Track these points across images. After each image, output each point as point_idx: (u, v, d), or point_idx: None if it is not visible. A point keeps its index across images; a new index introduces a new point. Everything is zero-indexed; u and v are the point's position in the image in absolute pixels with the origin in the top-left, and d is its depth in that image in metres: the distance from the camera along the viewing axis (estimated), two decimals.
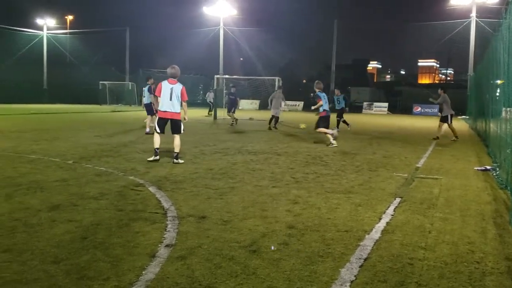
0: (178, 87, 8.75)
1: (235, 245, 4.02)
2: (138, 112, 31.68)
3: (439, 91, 15.52)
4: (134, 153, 9.91)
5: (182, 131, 8.88)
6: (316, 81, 13.35)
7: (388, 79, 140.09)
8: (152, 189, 6.30)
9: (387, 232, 4.57)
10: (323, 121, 12.75)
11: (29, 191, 5.92)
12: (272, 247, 4.00)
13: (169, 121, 8.78)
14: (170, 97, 8.64)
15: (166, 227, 4.51)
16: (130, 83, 50.60)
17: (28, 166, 7.90)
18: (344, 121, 18.75)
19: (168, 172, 7.64)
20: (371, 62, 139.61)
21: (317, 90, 12.98)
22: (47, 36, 52.90)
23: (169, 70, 8.81)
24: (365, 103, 47.28)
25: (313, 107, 13.06)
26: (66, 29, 57.96)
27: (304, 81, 73.49)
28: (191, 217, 4.88)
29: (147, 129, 14.65)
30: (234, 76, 40.65)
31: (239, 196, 5.97)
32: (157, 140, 8.88)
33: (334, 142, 12.39)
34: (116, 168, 7.91)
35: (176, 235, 4.24)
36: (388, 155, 10.86)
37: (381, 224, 4.83)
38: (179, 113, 8.79)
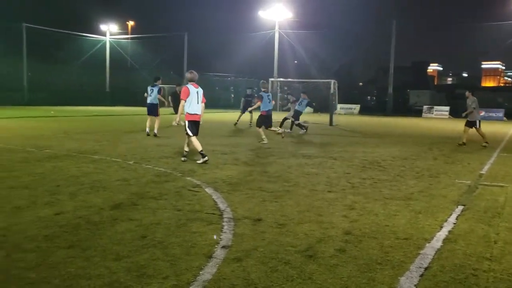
0: (201, 90, 9.12)
1: (291, 249, 4.00)
2: None
3: (467, 93, 14.08)
4: (192, 155, 10.10)
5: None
6: (262, 81, 13.93)
7: (450, 82, 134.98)
8: (208, 190, 6.39)
9: (449, 241, 4.39)
10: (263, 120, 13.45)
11: (92, 190, 6.18)
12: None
13: (197, 123, 9.09)
14: (197, 100, 8.96)
15: (222, 228, 4.56)
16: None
17: (91, 166, 8.26)
18: (298, 124, 17.85)
19: (224, 174, 7.73)
20: (431, 64, 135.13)
21: (262, 90, 13.57)
22: (109, 41, 55.20)
23: (189, 75, 9.09)
24: (425, 107, 45.77)
25: (249, 109, 14.43)
26: (128, 34, 60.22)
27: (361, 84, 72.27)
28: (246, 219, 4.91)
29: (147, 130, 14.47)
30: (288, 79, 40.56)
31: (294, 200, 5.94)
32: (197, 143, 9.03)
33: (265, 139, 13.15)
34: (174, 169, 8.10)
35: (232, 237, 4.28)
36: (450, 161, 10.44)
37: (443, 233, 4.64)
38: (200, 115, 9.14)
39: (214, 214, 5.10)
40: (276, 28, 42.56)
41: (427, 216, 5.29)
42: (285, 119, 18.49)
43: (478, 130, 13.76)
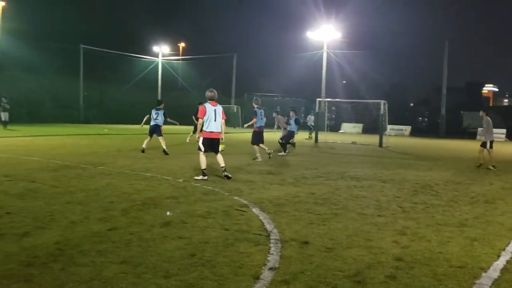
0: (219, 108, 9.34)
1: (339, 274, 3.93)
2: (242, 134, 32.63)
3: (481, 113, 13.96)
4: (238, 174, 10.20)
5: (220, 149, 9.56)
6: (255, 98, 14.19)
7: (506, 103, 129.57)
8: (255, 210, 6.41)
9: (508, 271, 4.17)
10: (257, 137, 13.80)
11: (144, 207, 6.34)
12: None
13: (213, 140, 9.30)
14: (215, 118, 9.17)
15: (270, 249, 4.55)
16: (235, 106, 52.50)
17: (143, 183, 8.49)
18: (284, 145, 16.53)
19: (270, 194, 7.74)
20: (486, 85, 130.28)
21: (255, 107, 13.75)
22: (162, 62, 57.03)
23: (209, 94, 9.33)
24: (479, 129, 44.06)
25: (245, 125, 14.16)
26: (179, 55, 62.00)
27: (412, 104, 70.61)
28: (293, 242, 4.87)
29: (144, 147, 15.02)
30: (337, 99, 40.34)
31: (342, 223, 5.85)
32: (204, 160, 9.22)
33: (259, 157, 13.45)
34: (222, 188, 8.19)
35: (279, 259, 4.26)
36: (508, 186, 9.98)
37: (500, 262, 4.42)
38: (219, 132, 9.34)
39: (261, 235, 5.11)
40: (325, 48, 42.52)
41: (483, 244, 5.06)
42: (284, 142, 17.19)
43: (489, 151, 13.72)
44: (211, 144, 9.34)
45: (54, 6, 58.00)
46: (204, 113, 9.12)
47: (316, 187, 8.80)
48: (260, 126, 13.84)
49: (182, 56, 61.45)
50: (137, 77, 52.87)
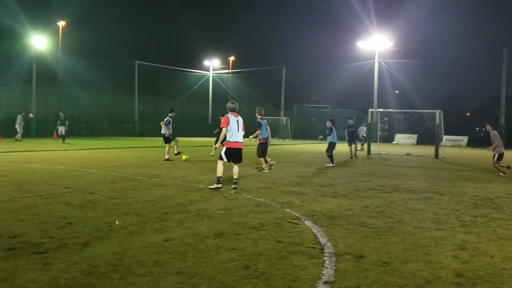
0: (241, 119, 9.47)
1: None
2: (291, 146, 32.59)
3: (488, 127, 14.16)
4: (290, 186, 10.16)
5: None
6: (257, 108, 13.34)
7: None
8: (308, 223, 6.36)
9: None
10: (262, 149, 13.23)
11: (198, 218, 6.44)
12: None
13: (236, 150, 9.39)
14: (238, 128, 9.29)
15: (324, 263, 4.49)
16: (284, 118, 52.53)
17: (197, 194, 8.64)
18: (331, 156, 16.24)
19: (322, 207, 7.65)
20: None
21: (258, 117, 12.98)
22: (212, 76, 58.11)
23: (231, 105, 9.54)
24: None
25: (250, 137, 13.01)
26: (229, 68, 62.92)
27: (468, 114, 67.94)
28: (348, 255, 4.79)
29: (167, 156, 16.10)
30: (389, 110, 39.42)
31: (398, 237, 5.68)
32: (221, 169, 9.38)
33: (266, 168, 13.23)
34: (273, 200, 8.19)
35: (334, 273, 4.19)
36: None
37: None
38: (242, 143, 9.47)
39: (314, 248, 5.05)
40: (376, 58, 41.81)
41: None
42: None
43: (494, 163, 13.97)
44: (235, 154, 9.48)
45: (110, 24, 60.58)
46: (228, 124, 9.30)
47: (370, 200, 8.62)
48: (266, 137, 13.53)
49: (232, 69, 62.33)
50: (189, 91, 54.11)
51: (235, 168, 9.64)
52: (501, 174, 13.70)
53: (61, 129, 27.83)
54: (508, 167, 13.86)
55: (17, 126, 28.31)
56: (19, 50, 40.43)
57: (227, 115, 9.50)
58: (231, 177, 9.75)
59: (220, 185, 9.36)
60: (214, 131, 18.61)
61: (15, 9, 40.11)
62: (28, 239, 5.07)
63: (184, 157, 16.35)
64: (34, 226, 5.70)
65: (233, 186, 9.52)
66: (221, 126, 9.56)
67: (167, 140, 16.41)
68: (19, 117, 28.42)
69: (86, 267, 4.18)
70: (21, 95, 39.88)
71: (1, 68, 38.06)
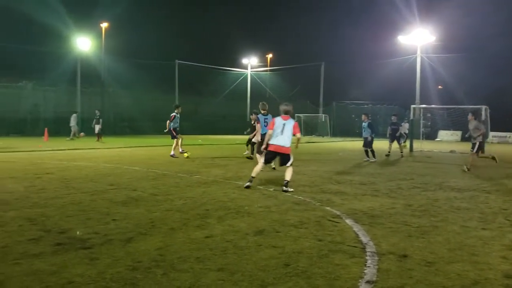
0: (290, 123, 9.02)
1: None
2: (331, 144, 32.29)
3: (469, 116, 13.67)
4: (329, 184, 10.07)
5: (291, 163, 9.11)
6: (261, 103, 12.47)
7: None
8: (348, 221, 6.28)
9: None
10: (258, 146, 12.23)
11: (238, 215, 6.49)
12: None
13: (278, 154, 9.11)
14: (281, 131, 8.93)
15: (366, 262, 4.42)
16: (323, 115, 52.09)
17: (236, 192, 8.69)
18: (372, 151, 16.74)
19: (364, 205, 7.53)
20: None
21: (261, 112, 12.17)
22: (250, 73, 58.31)
23: (283, 107, 9.19)
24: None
25: (250, 134, 12.71)
26: (267, 66, 62.92)
27: None
28: (391, 255, 4.69)
29: (172, 152, 16.46)
30: (432, 106, 38.41)
31: (443, 237, 5.53)
32: (258, 170, 9.30)
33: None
34: (313, 198, 8.13)
35: (376, 272, 4.12)
36: None
37: None
38: (288, 147, 9.00)
39: (356, 247, 4.98)
40: (418, 52, 40.74)
41: None
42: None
43: (472, 154, 13.55)
44: (273, 157, 9.34)
45: (150, 25, 61.89)
46: (273, 126, 9.14)
47: (413, 198, 8.42)
48: (263, 135, 12.00)
49: (270, 67, 62.31)
50: (227, 89, 54.53)
51: (288, 170, 9.18)
52: (465, 168, 13.46)
53: (97, 128, 28.21)
54: (494, 160, 13.86)
55: (73, 124, 29.13)
56: (65, 52, 41.91)
57: (276, 118, 9.32)
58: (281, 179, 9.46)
59: (249, 184, 9.15)
60: (245, 132, 18.42)
61: (62, 11, 41.58)
62: (75, 235, 5.25)
63: (185, 154, 16.51)
64: (80, 222, 5.89)
65: (283, 188, 8.98)
66: (268, 128, 9.52)
67: (172, 136, 16.83)
68: (74, 116, 29.41)
69: (130, 262, 4.28)
70: (67, 95, 41.32)
71: (48, 69, 39.52)
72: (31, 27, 45.51)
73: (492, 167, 15.51)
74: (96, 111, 29.26)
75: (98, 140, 27.39)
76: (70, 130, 29.42)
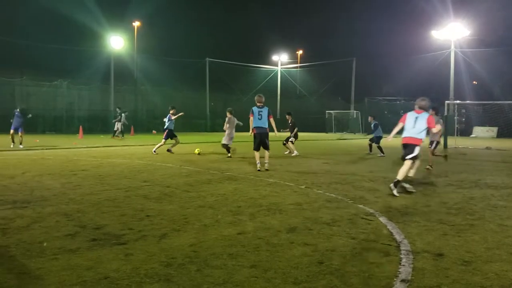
0: (424, 116, 8.80)
1: None
2: (362, 140, 31.87)
3: (430, 111, 12.37)
4: (362, 182, 9.96)
5: (414, 156, 8.70)
6: (257, 95, 11.80)
7: None
8: (382, 219, 6.19)
9: None
10: (254, 140, 11.83)
11: (269, 212, 6.49)
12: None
13: (406, 146, 8.85)
14: (414, 125, 8.75)
15: (401, 261, 4.35)
16: (355, 111, 51.56)
17: (268, 189, 8.70)
18: (379, 148, 17.79)
19: (398, 203, 7.41)
20: None
21: (257, 104, 11.59)
22: (280, 70, 58.19)
23: (419, 102, 9.03)
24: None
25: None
26: (297, 63, 62.67)
27: None
28: (426, 253, 4.61)
29: (154, 149, 16.73)
30: (467, 101, 37.46)
31: (480, 235, 5.39)
32: (405, 170, 8.74)
33: (259, 165, 11.70)
34: (345, 196, 8.06)
35: (411, 271, 4.05)
36: None
37: None
38: (416, 138, 8.69)
39: (390, 245, 4.91)
40: (452, 47, 39.83)
41: None
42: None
43: (432, 152, 13.20)
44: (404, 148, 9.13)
45: (181, 23, 62.54)
46: (404, 120, 9.05)
47: (448, 196, 8.24)
48: (259, 127, 11.63)
49: (300, 63, 62.03)
50: (258, 86, 54.59)
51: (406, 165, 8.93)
52: (428, 167, 12.89)
53: (118, 125, 28.29)
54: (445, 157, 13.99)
55: (122, 123, 29.33)
56: (98, 50, 42.83)
57: (409, 112, 9.16)
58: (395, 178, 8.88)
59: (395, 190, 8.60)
60: (282, 130, 18.47)
61: (96, 11, 42.49)
62: (110, 231, 5.36)
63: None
64: (115, 218, 6.01)
65: (405, 186, 8.81)
66: (400, 121, 9.44)
67: (166, 136, 17.08)
68: (123, 115, 29.93)
69: (164, 258, 4.34)
70: (100, 93, 42.26)
71: (82, 68, 40.49)
72: (66, 26, 46.76)
73: None
74: (117, 109, 29.53)
75: (113, 137, 27.54)
76: (106, 128, 29.89)
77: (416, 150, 8.67)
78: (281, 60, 59.08)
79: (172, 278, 3.82)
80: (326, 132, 49.01)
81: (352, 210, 6.80)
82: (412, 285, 3.72)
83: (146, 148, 20.06)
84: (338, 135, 42.08)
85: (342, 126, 50.92)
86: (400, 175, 8.47)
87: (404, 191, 8.54)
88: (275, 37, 68.00)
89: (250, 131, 11.85)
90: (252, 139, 12.02)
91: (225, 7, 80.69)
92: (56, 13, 43.77)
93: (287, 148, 17.95)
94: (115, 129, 28.54)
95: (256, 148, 11.78)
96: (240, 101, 53.07)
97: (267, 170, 11.54)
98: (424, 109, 8.95)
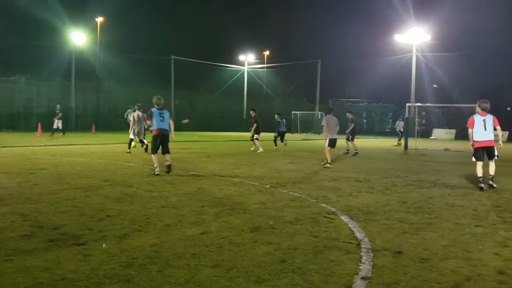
0: (489, 118, 9.61)
1: (436, 286, 3.74)
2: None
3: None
4: (325, 181, 10.08)
5: (496, 157, 9.67)
6: (155, 97, 11.52)
7: None
8: (344, 218, 6.28)
9: None
10: (153, 142, 10.81)
11: (234, 212, 6.47)
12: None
13: (485, 149, 9.58)
14: (484, 127, 9.46)
15: (361, 258, 4.42)
16: (320, 112, 52.14)
17: (232, 188, 8.68)
18: (274, 141, 20.28)
19: (359, 202, 7.55)
20: None
21: (156, 106, 11.12)
22: (247, 70, 58.22)
23: (482, 105, 9.77)
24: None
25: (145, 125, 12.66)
26: (264, 63, 62.88)
27: (508, 109, 65.59)
28: (386, 251, 4.71)
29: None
30: (427, 104, 38.54)
31: (437, 233, 5.55)
32: (480, 169, 9.60)
33: (157, 169, 10.44)
34: (308, 195, 8.14)
35: (371, 268, 4.13)
36: None
37: None
38: (492, 140, 9.60)
39: (351, 243, 4.99)
40: (414, 51, 40.93)
41: None
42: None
43: (327, 149, 13.76)
44: (486, 151, 9.69)
45: (146, 20, 61.61)
46: (473, 123, 9.65)
47: (407, 195, 8.45)
48: (162, 129, 10.85)
49: (266, 64, 62.26)
50: (224, 86, 54.44)
51: (491, 164, 9.74)
52: (325, 162, 13.60)
53: (57, 123, 27.10)
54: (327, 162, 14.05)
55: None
56: (59, 46, 41.65)
57: (474, 115, 9.78)
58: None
59: (482, 185, 9.45)
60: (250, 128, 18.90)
61: (56, 5, 41.31)
62: (68, 231, 5.22)
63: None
64: (74, 218, 5.86)
65: (489, 182, 9.64)
66: (467, 126, 9.90)
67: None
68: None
69: (124, 259, 4.26)
70: (61, 90, 41.04)
71: (42, 63, 39.28)
72: (25, 21, 45.31)
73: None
74: (58, 105, 28.18)
75: (51, 135, 26.52)
76: (54, 126, 28.15)
77: (496, 151, 9.65)
78: (248, 60, 59.09)
79: (132, 279, 3.75)
80: (292, 133, 49.38)
81: (315, 209, 6.88)
82: (371, 282, 3.79)
83: (107, 147, 19.66)
84: (303, 135, 42.45)
85: (308, 126, 51.42)
86: (492, 171, 9.60)
87: (490, 186, 9.54)
88: (242, 37, 68.00)
89: (153, 133, 10.86)
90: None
91: (192, 5, 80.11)
92: (14, 6, 42.38)
93: (254, 144, 18.24)
94: (54, 127, 27.18)
95: (156, 150, 10.74)
96: (207, 100, 52.82)
97: (168, 172, 10.54)
98: (486, 110, 9.62)
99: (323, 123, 14.02)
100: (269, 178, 10.30)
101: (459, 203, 7.74)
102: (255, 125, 18.64)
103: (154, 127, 10.81)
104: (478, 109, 9.81)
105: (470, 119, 9.76)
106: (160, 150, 10.78)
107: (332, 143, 13.74)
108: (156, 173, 10.39)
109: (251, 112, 19.54)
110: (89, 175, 10.04)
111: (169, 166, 10.62)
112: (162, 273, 3.89)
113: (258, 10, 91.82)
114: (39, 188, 8.14)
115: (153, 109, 11.08)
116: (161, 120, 10.94)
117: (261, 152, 17.32)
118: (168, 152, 10.86)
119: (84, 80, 42.84)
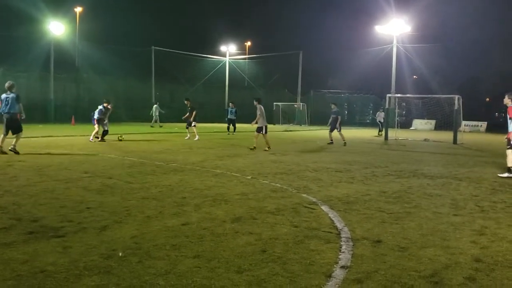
0: None
1: (415, 274, 3.81)
2: (308, 132, 32.47)
3: (255, 102, 15.88)
4: (306, 172, 10.14)
5: None
6: (8, 82, 12.59)
7: None
8: (324, 208, 6.35)
9: None
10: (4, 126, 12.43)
11: (215, 203, 6.48)
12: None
13: None
14: None
15: (341, 248, 4.48)
16: (301, 103, 52.27)
17: (213, 179, 8.68)
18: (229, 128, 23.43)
19: (339, 192, 7.62)
20: None
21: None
22: (229, 61, 57.94)
23: (510, 96, 10.00)
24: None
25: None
26: (245, 54, 62.62)
27: (488, 99, 66.69)
28: (365, 240, 4.77)
29: (91, 138, 17.29)
30: (407, 95, 38.93)
31: (416, 222, 5.64)
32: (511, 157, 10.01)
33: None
34: (289, 185, 8.18)
35: (351, 257, 4.19)
36: None
37: None
38: None
39: (331, 232, 5.04)
40: (394, 42, 41.20)
41: None
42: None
43: (264, 136, 15.54)
44: None
45: (126, 10, 60.79)
46: None
47: (387, 185, 8.56)
48: (7, 113, 12.29)
49: (248, 55, 62.02)
50: (205, 77, 54.08)
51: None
52: (252, 147, 15.35)
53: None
54: (254, 148, 15.40)
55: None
56: (37, 36, 40.80)
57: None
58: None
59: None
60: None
61: None
62: (48, 223, 5.16)
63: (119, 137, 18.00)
64: (53, 210, 5.79)
65: (505, 174, 10.08)
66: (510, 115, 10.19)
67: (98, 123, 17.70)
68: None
69: (104, 250, 4.23)
70: (40, 81, 40.26)
71: (19, 54, 38.44)
72: (1, 11, 44.21)
73: (465, 155, 15.84)
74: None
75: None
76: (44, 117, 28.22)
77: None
78: (230, 51, 58.75)
79: (112, 270, 3.74)
80: (274, 124, 49.43)
81: (296, 199, 6.93)
82: (351, 271, 3.84)
83: (87, 138, 19.41)
84: (284, 126, 42.54)
85: (289, 118, 51.50)
86: (510, 163, 9.99)
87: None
88: (223, 28, 67.58)
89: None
90: None
91: None
92: None
93: (189, 132, 19.00)
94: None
95: (6, 133, 12.25)
96: (188, 91, 52.43)
97: (13, 151, 12.14)
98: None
99: (260, 111, 15.48)
100: (251, 169, 10.32)
101: (438, 193, 7.88)
102: (194, 113, 20.09)
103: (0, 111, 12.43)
104: (508, 101, 10.07)
105: (509, 108, 10.01)
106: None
107: (266, 129, 15.63)
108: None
109: (186, 102, 21.42)
110: (69, 167, 9.91)
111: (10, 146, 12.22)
112: (143, 264, 3.88)
113: (240, 0, 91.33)
114: (18, 180, 8.01)
115: (2, 95, 12.43)
116: (6, 104, 12.25)
117: (197, 139, 18.80)
118: (17, 132, 12.42)
119: (63, 71, 42.03)
